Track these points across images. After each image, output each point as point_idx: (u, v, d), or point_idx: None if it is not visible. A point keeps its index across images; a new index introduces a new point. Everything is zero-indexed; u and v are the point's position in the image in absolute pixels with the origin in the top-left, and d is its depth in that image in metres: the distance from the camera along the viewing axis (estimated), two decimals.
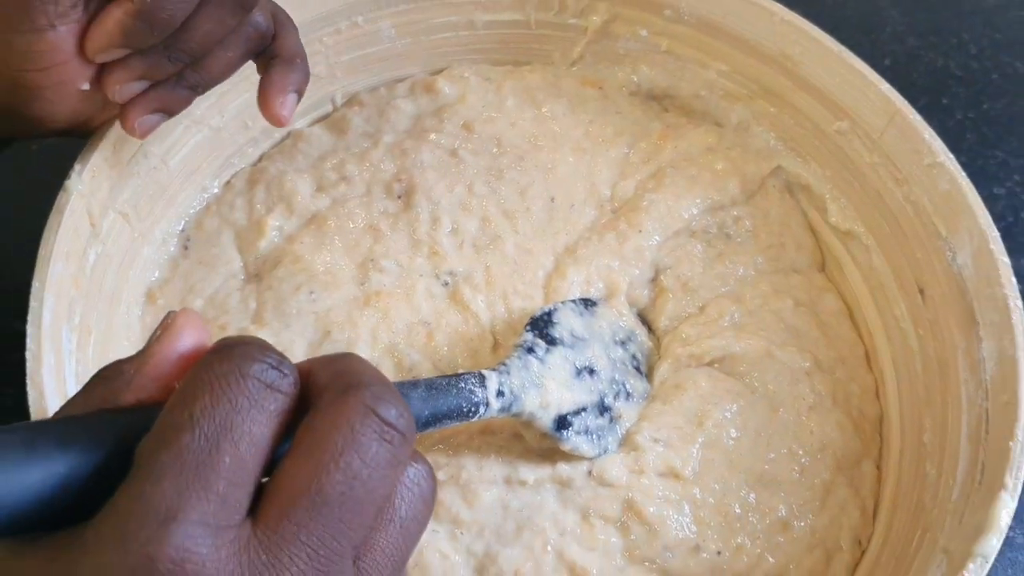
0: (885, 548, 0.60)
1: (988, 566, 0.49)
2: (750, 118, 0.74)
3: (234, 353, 0.35)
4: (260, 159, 0.74)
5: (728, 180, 0.72)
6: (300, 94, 0.62)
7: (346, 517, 0.34)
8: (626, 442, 0.62)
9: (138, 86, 0.55)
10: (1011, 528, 0.66)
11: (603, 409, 0.62)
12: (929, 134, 0.63)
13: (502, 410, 0.56)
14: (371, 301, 0.65)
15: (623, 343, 0.66)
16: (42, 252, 0.56)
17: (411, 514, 0.38)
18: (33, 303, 0.54)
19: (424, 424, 0.48)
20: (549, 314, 0.63)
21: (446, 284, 0.67)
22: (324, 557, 0.34)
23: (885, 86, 0.65)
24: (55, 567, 0.32)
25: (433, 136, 0.72)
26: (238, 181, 0.72)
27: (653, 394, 0.65)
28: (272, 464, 0.35)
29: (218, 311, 0.66)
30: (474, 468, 0.60)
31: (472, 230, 0.69)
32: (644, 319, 0.69)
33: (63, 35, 0.52)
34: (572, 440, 0.59)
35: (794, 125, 0.71)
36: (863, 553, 0.61)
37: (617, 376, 0.64)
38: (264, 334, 0.63)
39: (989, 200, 0.80)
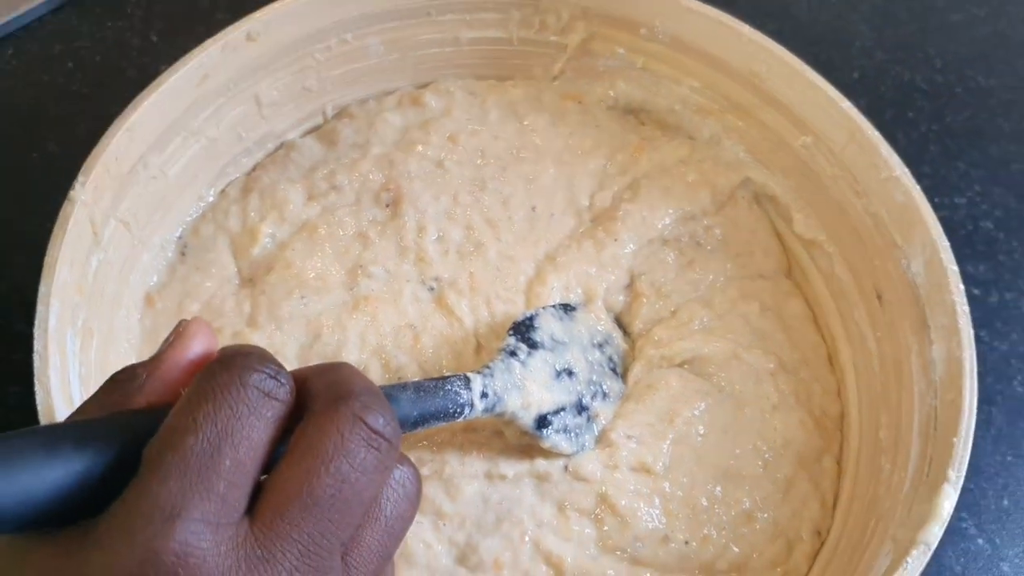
0: (843, 538, 0.63)
1: (930, 552, 0.53)
2: (721, 132, 0.77)
3: (235, 363, 0.38)
4: (254, 169, 0.77)
5: (699, 191, 0.75)
6: None
7: (335, 517, 0.37)
8: (601, 439, 0.65)
9: None
10: (964, 520, 0.71)
11: (581, 408, 0.65)
12: (886, 149, 0.66)
13: (486, 411, 0.59)
14: (360, 305, 0.68)
15: (600, 346, 0.69)
16: (48, 260, 0.59)
17: (396, 513, 0.41)
18: (40, 308, 0.57)
19: (412, 424, 0.52)
20: (531, 319, 0.66)
21: (432, 289, 0.70)
22: (314, 553, 0.37)
23: (846, 104, 0.68)
24: (67, 560, 0.35)
25: (420, 147, 0.76)
26: (233, 190, 0.75)
27: (627, 394, 0.68)
28: (270, 465, 0.38)
29: (214, 315, 0.69)
30: (457, 463, 0.63)
31: (457, 238, 0.72)
32: (620, 323, 0.73)
33: None
34: (552, 438, 0.63)
35: (762, 139, 0.75)
36: (823, 543, 0.65)
37: (594, 377, 0.67)
38: (258, 336, 0.66)
39: (950, 209, 0.85)
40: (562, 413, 0.64)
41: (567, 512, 0.62)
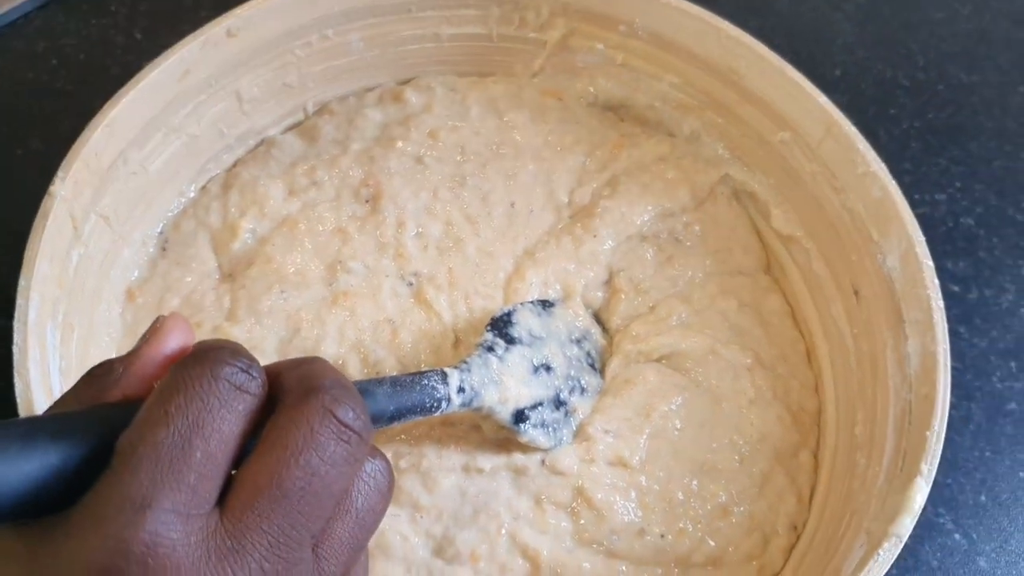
0: (818, 532, 0.64)
1: (902, 544, 0.53)
2: (700, 128, 0.77)
3: (208, 357, 0.39)
4: (235, 165, 0.77)
5: (679, 188, 0.75)
6: None
7: (304, 509, 0.38)
8: (579, 433, 0.66)
9: None
10: (941, 515, 0.71)
11: (559, 403, 0.65)
12: (863, 144, 0.67)
13: (463, 405, 0.59)
14: (339, 300, 0.69)
15: (578, 341, 0.70)
16: (28, 254, 0.59)
17: (367, 506, 0.41)
18: (20, 301, 0.58)
19: (389, 419, 0.52)
20: (509, 315, 0.66)
21: (411, 284, 0.71)
22: (283, 544, 0.37)
23: (823, 98, 0.68)
24: (39, 550, 0.35)
25: (400, 144, 0.76)
26: (214, 186, 0.76)
27: (605, 388, 0.68)
28: (242, 459, 0.38)
29: (194, 309, 0.69)
30: (434, 456, 0.63)
31: (436, 233, 0.73)
32: (598, 319, 0.73)
33: None
34: (529, 433, 0.63)
35: (741, 135, 0.75)
36: (798, 537, 0.65)
37: (572, 372, 0.67)
38: (237, 331, 0.67)
39: (931, 205, 0.85)
40: (540, 408, 0.64)
41: (544, 505, 0.62)
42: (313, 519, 0.38)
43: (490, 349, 0.63)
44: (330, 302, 0.69)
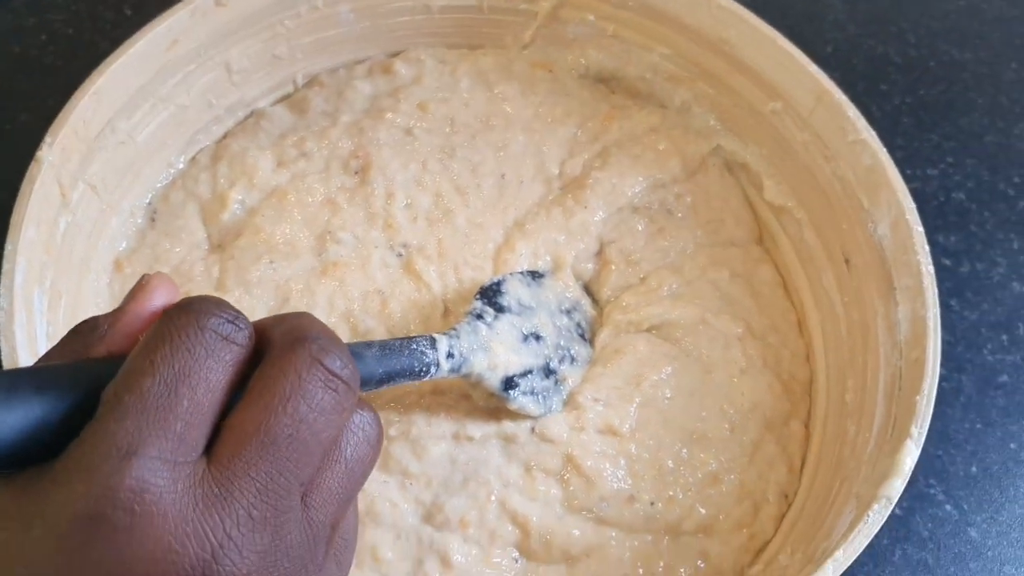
0: (809, 500, 0.64)
1: (891, 507, 0.53)
2: (691, 100, 0.77)
3: (193, 308, 0.38)
4: (224, 136, 0.77)
5: (670, 159, 0.75)
6: None
7: (292, 456, 0.37)
8: (568, 402, 0.66)
9: None
10: (932, 486, 0.71)
11: (548, 372, 0.65)
12: (853, 112, 0.66)
13: (452, 371, 0.59)
14: (328, 271, 0.68)
15: (568, 312, 0.69)
16: (14, 218, 0.59)
17: (356, 456, 0.41)
18: (6, 265, 0.57)
19: (378, 382, 0.52)
20: (498, 284, 0.66)
21: (400, 255, 0.70)
22: (271, 492, 0.37)
23: (813, 67, 0.68)
24: (25, 499, 0.35)
25: (389, 115, 0.76)
26: (203, 157, 0.75)
27: (595, 358, 0.68)
28: (229, 409, 0.38)
29: (183, 279, 0.69)
30: (424, 424, 0.63)
31: (425, 204, 0.72)
32: (589, 290, 0.73)
33: None
34: (519, 400, 0.63)
35: (732, 106, 0.75)
36: (789, 505, 0.65)
37: (562, 342, 0.67)
38: (227, 300, 0.66)
39: (923, 180, 0.85)
40: (529, 376, 0.64)
41: (533, 473, 0.62)
42: (301, 467, 0.38)
43: (479, 317, 0.63)
44: (320, 272, 0.68)
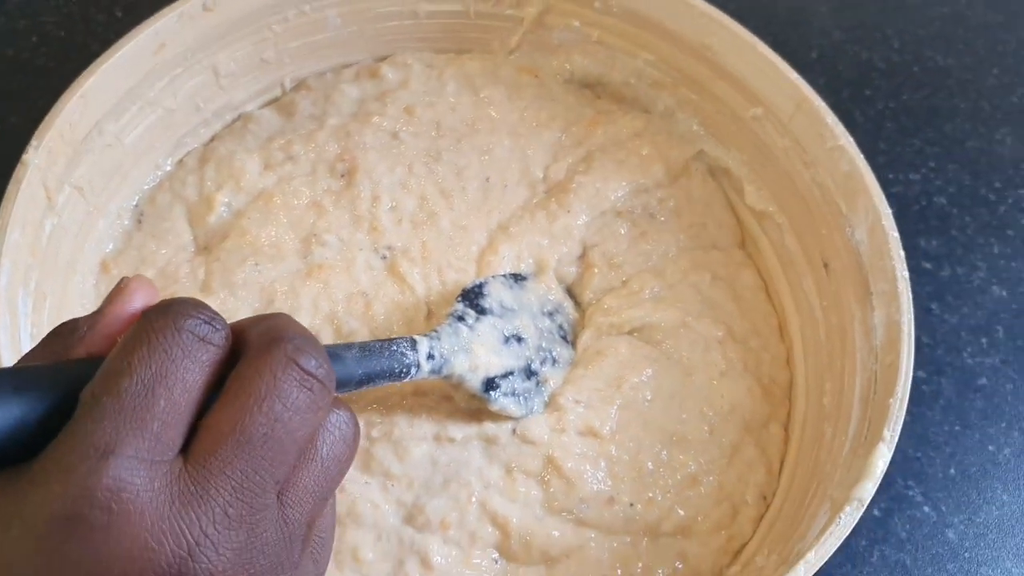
0: (786, 502, 0.64)
1: (863, 509, 0.54)
2: (675, 105, 0.78)
3: (170, 309, 0.39)
4: (212, 139, 0.78)
5: (653, 164, 0.76)
6: None
7: (268, 455, 0.38)
8: (550, 403, 0.66)
9: None
10: (911, 488, 0.72)
11: (530, 374, 0.66)
12: (832, 119, 0.67)
13: (432, 372, 0.60)
14: (313, 273, 0.69)
15: (551, 314, 0.70)
16: None
17: (332, 455, 0.42)
18: None
19: (358, 383, 0.52)
20: (480, 286, 0.67)
21: (384, 258, 0.71)
22: (247, 490, 0.37)
23: (793, 74, 0.69)
24: (4, 499, 0.35)
25: (376, 119, 0.76)
26: (190, 160, 0.76)
27: (576, 360, 0.69)
28: (206, 409, 0.39)
29: (168, 281, 0.69)
30: (406, 426, 0.64)
31: (410, 207, 0.73)
32: (571, 293, 0.74)
33: None
34: (500, 401, 0.64)
35: (715, 112, 0.76)
36: (768, 507, 0.66)
37: (544, 344, 0.68)
38: (210, 301, 0.67)
39: (905, 185, 0.86)
40: (510, 377, 0.64)
41: (514, 474, 0.63)
42: (277, 465, 0.38)
43: (460, 318, 0.64)
44: (304, 274, 0.69)
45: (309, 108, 0.78)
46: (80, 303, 0.68)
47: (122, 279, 0.43)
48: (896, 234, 0.63)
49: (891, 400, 0.57)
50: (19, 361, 0.42)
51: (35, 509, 0.35)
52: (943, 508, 0.72)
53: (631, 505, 0.63)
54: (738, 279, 0.75)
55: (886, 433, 0.56)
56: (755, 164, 0.75)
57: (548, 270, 0.72)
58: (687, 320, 0.70)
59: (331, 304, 0.68)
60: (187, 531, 0.36)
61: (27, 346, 0.59)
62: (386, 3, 0.78)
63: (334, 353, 0.50)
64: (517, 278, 0.70)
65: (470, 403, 0.64)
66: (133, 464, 0.35)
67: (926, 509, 0.72)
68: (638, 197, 0.76)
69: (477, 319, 0.65)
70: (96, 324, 0.42)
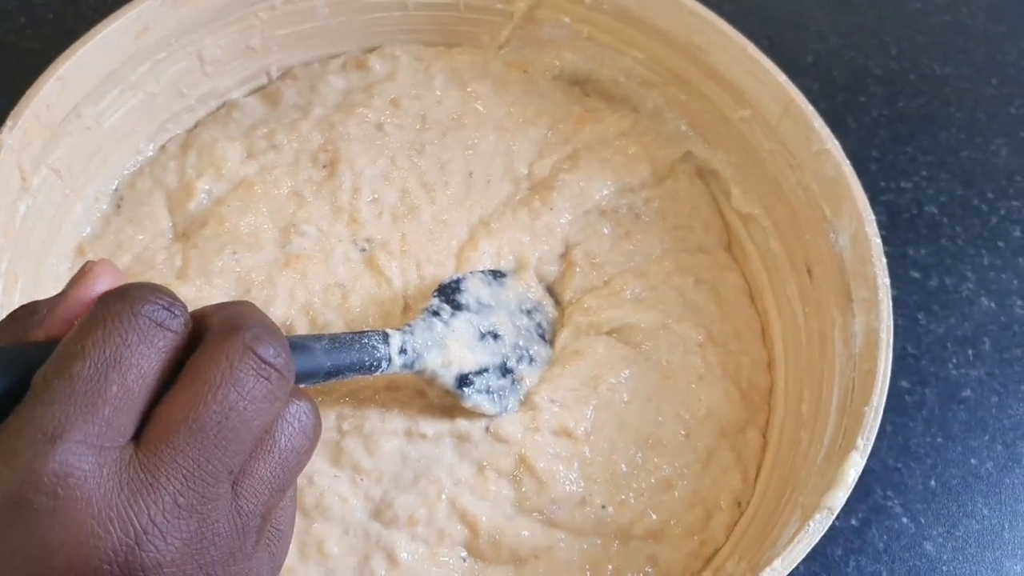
0: (760, 508, 0.64)
1: (832, 517, 0.53)
2: (664, 104, 0.77)
3: (128, 294, 0.38)
4: (195, 126, 0.77)
5: (639, 164, 0.75)
6: None
7: (221, 444, 0.37)
8: (525, 402, 0.65)
9: None
10: (890, 499, 0.71)
11: (506, 371, 0.65)
12: (819, 122, 0.66)
13: (404, 366, 0.59)
14: (291, 263, 0.68)
15: (529, 312, 0.69)
16: None
17: (291, 446, 0.41)
18: None
19: (326, 374, 0.52)
20: (457, 282, 0.66)
21: (363, 250, 0.70)
22: (199, 479, 0.37)
23: (782, 77, 0.68)
24: None
25: (361, 110, 0.75)
26: (172, 146, 0.75)
27: (554, 359, 0.68)
28: (161, 396, 0.38)
29: (145, 267, 0.69)
30: (377, 420, 0.63)
31: (391, 200, 0.72)
32: (552, 292, 0.73)
33: None
34: (473, 398, 0.63)
35: (703, 112, 0.75)
36: (742, 514, 0.65)
37: (521, 342, 0.67)
38: (186, 289, 0.66)
39: (896, 193, 0.85)
40: (485, 374, 0.64)
41: (486, 472, 0.62)
42: (230, 454, 0.38)
43: (435, 314, 0.63)
44: (282, 264, 0.68)
45: (294, 97, 0.77)
46: (54, 286, 0.67)
47: (86, 263, 0.43)
48: (879, 240, 0.62)
49: (866, 408, 0.56)
50: None
51: None
52: (922, 520, 0.71)
53: (603, 507, 0.62)
54: (722, 282, 0.74)
55: (859, 442, 0.55)
56: (742, 166, 0.74)
57: (528, 267, 0.71)
58: (667, 322, 0.69)
59: (307, 295, 0.67)
60: (135, 519, 0.36)
61: None
62: None
63: (302, 344, 0.50)
64: (496, 275, 0.69)
65: (444, 399, 0.64)
66: (81, 449, 0.35)
67: (904, 520, 0.71)
68: (623, 197, 0.75)
69: (453, 314, 0.64)
70: (56, 307, 0.41)
